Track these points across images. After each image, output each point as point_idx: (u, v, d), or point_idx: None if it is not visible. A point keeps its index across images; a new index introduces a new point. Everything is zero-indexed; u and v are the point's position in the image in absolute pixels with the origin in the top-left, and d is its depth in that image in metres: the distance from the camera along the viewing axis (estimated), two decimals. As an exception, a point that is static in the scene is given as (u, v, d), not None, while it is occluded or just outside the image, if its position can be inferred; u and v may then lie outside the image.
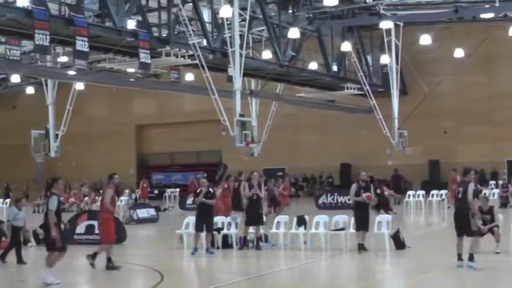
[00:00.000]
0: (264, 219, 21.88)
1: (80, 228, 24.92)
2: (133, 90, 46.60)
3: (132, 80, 37.41)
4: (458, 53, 46.39)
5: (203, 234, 20.58)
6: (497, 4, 38.94)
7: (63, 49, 34.84)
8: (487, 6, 40.71)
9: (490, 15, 42.74)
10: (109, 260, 17.89)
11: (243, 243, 21.26)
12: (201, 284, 16.90)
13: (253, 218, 21.08)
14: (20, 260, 19.55)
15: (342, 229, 20.95)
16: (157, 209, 36.21)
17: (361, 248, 19.68)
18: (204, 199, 20.62)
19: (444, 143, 49.08)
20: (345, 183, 49.22)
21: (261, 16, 38.50)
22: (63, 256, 16.12)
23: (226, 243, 21.68)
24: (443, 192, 36.64)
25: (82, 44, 27.31)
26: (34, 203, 42.53)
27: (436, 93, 48.08)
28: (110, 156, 57.49)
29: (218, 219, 22.17)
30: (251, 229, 21.36)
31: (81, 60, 30.74)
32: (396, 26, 43.61)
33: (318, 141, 52.56)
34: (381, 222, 20.80)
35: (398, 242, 20.35)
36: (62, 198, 45.34)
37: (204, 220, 20.40)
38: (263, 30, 40.98)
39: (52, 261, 15.88)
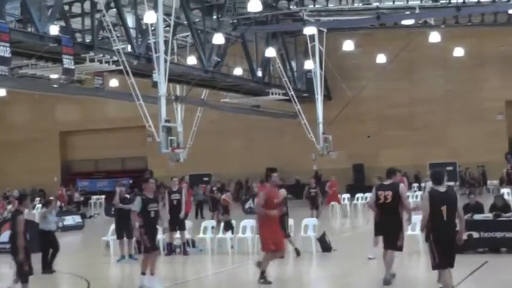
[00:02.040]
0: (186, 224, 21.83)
1: (3, 237, 24.45)
2: (56, 96, 45.97)
3: (55, 86, 36.87)
4: (381, 58, 47.24)
5: (125, 241, 20.42)
6: (417, 11, 39.85)
7: (-16, 55, 34.13)
8: (407, 12, 41.55)
9: (411, 21, 43.66)
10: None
11: (170, 249, 21.21)
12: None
13: (175, 223, 21.06)
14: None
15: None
16: (83, 216, 35.83)
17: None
18: (121, 204, 20.45)
19: (368, 148, 49.84)
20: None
21: (186, 22, 38.46)
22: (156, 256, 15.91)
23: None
24: (368, 195, 37.05)
25: (4, 50, 26.77)
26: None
27: (359, 99, 48.83)
28: (33, 164, 56.62)
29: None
30: (177, 234, 21.33)
31: (2, 66, 30.19)
32: (320, 32, 44.11)
33: (243, 146, 52.76)
34: (307, 226, 21.03)
35: (325, 245, 20.61)
36: None
37: (123, 226, 20.20)
38: (188, 36, 40.92)
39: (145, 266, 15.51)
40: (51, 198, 22.92)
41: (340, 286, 15.80)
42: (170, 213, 21.20)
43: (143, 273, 15.40)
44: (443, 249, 11.82)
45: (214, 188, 32.32)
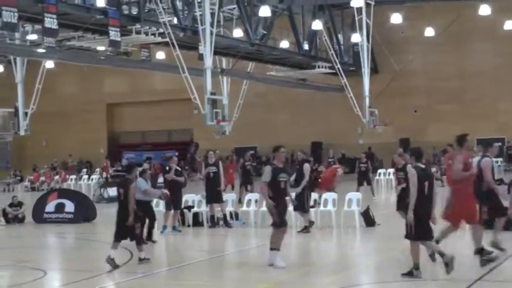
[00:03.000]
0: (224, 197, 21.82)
1: (50, 207, 24.78)
2: (103, 68, 46.25)
3: (102, 58, 37.14)
4: (429, 32, 46.56)
5: (171, 212, 20.51)
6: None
7: (32, 27, 34.46)
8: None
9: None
10: None
11: (213, 221, 21.26)
12: (169, 262, 16.85)
13: (212, 196, 21.09)
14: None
15: (313, 206, 21.04)
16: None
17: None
18: (174, 176, 20.53)
19: (415, 122, 49.31)
20: (316, 161, 49.38)
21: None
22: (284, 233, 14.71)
23: (197, 221, 21.70)
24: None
25: (51, 22, 27.03)
26: None
27: (406, 72, 48.28)
28: (81, 135, 57.21)
29: (189, 197, 22.18)
30: (218, 207, 21.38)
31: (50, 37, 30.51)
32: (367, 4, 43.70)
33: (289, 119, 52.55)
34: (351, 200, 20.92)
35: (369, 219, 20.50)
36: (32, 178, 45.03)
37: (173, 198, 20.25)
38: (234, 8, 40.80)
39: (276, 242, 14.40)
40: (146, 167, 22.71)
41: (384, 260, 15.65)
42: (207, 185, 21.25)
43: (273, 249, 14.34)
44: (421, 222, 12.35)
45: (247, 163, 31.43)
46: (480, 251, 14.02)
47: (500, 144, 45.01)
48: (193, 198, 22.29)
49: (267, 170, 14.26)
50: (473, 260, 13.90)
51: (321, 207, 21.09)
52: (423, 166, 12.60)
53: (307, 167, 20.12)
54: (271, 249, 14.37)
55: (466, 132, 14.97)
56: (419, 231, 12.35)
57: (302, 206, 19.55)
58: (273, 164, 14.46)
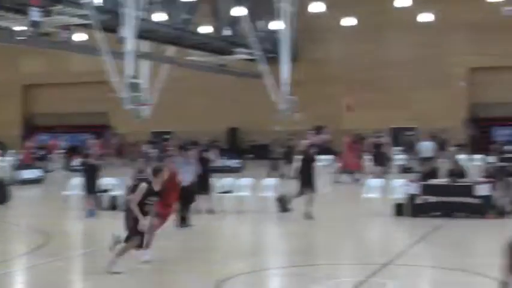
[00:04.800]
0: None
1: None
2: (19, 48, 45.32)
3: (21, 38, 36.40)
4: (349, 21, 47.08)
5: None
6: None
7: None
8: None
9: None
10: None
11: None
12: (84, 244, 16.82)
13: None
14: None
15: (228, 192, 21.33)
16: (45, 170, 35.71)
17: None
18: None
19: (332, 110, 49.88)
20: (233, 147, 49.78)
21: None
22: None
23: (115, 206, 21.67)
24: (329, 157, 37.01)
25: (-33, 0, 26.43)
26: None
27: (326, 61, 48.86)
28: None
29: (109, 181, 22.20)
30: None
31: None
32: (289, -8, 43.96)
33: (207, 105, 52.52)
34: (268, 186, 21.20)
35: (283, 205, 20.71)
36: None
37: (89, 182, 20.16)
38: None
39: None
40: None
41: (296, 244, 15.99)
42: None
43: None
44: None
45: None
46: None
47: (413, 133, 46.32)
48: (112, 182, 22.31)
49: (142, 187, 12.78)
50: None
51: (237, 193, 21.35)
52: None
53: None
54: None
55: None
56: None
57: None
58: (150, 184, 12.87)
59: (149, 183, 12.74)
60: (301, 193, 19.54)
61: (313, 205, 19.17)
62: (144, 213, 12.52)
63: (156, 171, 12.99)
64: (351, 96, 46.79)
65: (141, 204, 12.53)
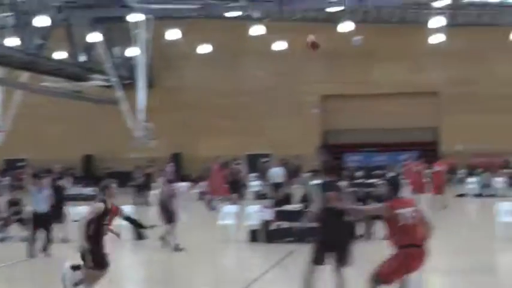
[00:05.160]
0: None
1: None
2: None
3: None
4: (205, 48, 47.60)
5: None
6: (242, 3, 40.75)
7: None
8: (232, 4, 42.35)
9: (236, 13, 44.44)
10: None
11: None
12: None
13: None
14: None
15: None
16: None
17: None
18: None
19: (187, 137, 50.18)
20: (88, 175, 49.11)
21: (8, 1, 37.35)
22: None
23: None
24: (185, 184, 37.25)
25: None
26: None
27: (182, 87, 49.20)
28: None
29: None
30: None
31: None
32: (147, 19, 44.01)
33: (63, 131, 51.71)
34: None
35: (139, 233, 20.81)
36: None
37: None
38: (9, 16, 39.69)
39: None
40: None
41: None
42: None
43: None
44: None
45: None
46: None
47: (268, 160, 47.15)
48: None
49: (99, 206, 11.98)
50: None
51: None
52: None
53: None
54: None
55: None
56: None
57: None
58: (105, 201, 12.16)
59: None
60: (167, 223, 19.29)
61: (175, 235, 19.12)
62: None
63: None
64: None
65: None
